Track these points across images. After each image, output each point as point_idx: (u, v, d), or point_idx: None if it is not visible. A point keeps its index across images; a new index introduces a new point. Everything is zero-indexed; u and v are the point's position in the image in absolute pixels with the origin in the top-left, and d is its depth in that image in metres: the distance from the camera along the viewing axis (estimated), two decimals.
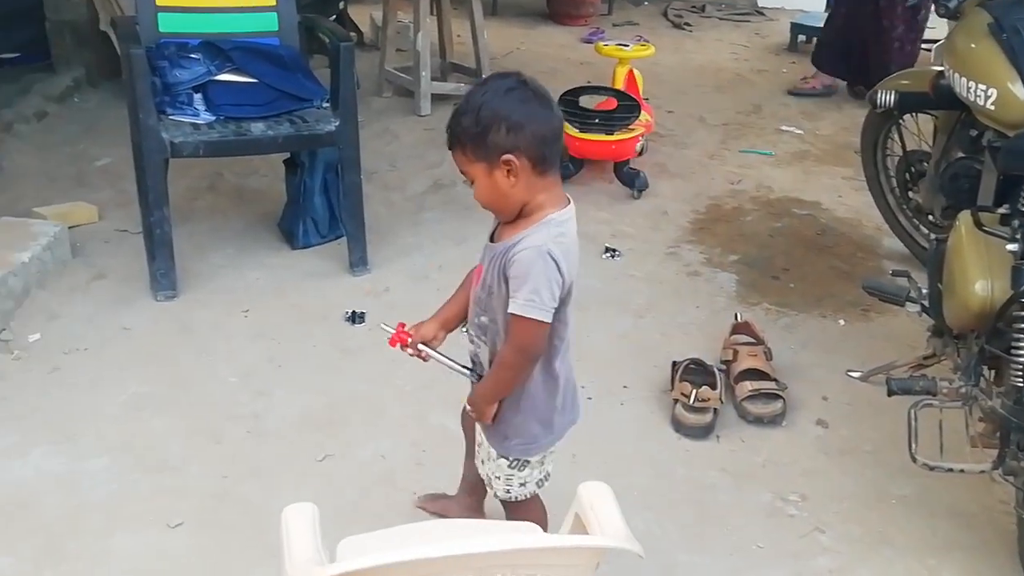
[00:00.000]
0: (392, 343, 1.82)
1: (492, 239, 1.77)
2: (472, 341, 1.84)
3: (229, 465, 2.36)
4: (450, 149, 1.68)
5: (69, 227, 3.26)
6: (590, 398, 2.69)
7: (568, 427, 1.90)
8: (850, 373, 2.82)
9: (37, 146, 4.07)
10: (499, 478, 1.86)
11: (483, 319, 1.77)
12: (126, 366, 2.71)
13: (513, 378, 1.74)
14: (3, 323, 2.81)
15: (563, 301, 1.71)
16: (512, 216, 1.70)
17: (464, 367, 1.84)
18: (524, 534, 1.52)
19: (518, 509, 1.91)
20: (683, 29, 6.78)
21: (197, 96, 3.05)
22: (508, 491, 1.88)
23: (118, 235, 3.40)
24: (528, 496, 1.90)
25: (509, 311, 1.65)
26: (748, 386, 2.62)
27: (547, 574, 1.26)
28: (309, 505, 1.40)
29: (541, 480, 1.90)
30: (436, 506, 2.19)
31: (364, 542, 1.62)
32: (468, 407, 1.86)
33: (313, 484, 2.29)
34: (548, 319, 1.65)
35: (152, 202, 2.97)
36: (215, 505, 2.23)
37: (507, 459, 1.84)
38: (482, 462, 1.91)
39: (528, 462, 1.85)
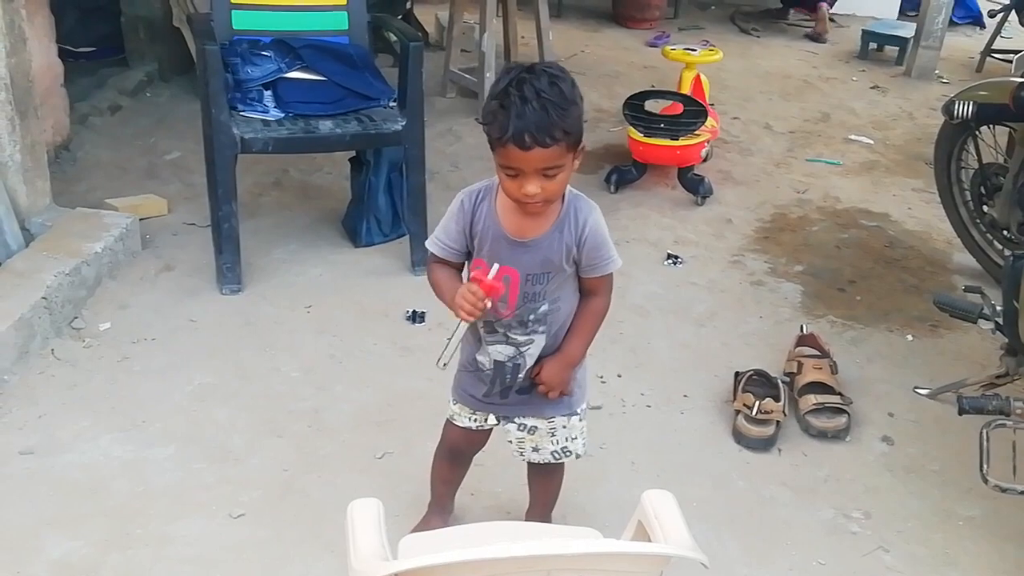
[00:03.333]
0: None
1: (509, 237, 1.74)
2: (515, 343, 1.82)
3: (290, 458, 2.39)
4: (544, 146, 1.58)
5: (140, 219, 3.33)
6: (649, 406, 2.68)
7: None
8: (918, 390, 2.76)
9: (110, 138, 4.17)
10: (576, 439, 1.97)
11: (543, 308, 1.79)
12: (192, 357, 2.76)
13: (601, 325, 1.86)
14: (76, 311, 2.88)
15: None
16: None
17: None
18: (587, 538, 1.52)
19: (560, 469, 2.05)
20: (750, 34, 6.71)
21: (267, 93, 3.10)
22: (584, 443, 1.99)
23: (186, 228, 3.47)
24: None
25: (606, 272, 1.79)
26: (812, 399, 2.57)
27: None
28: (374, 500, 1.40)
29: None
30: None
31: (426, 540, 1.63)
32: (545, 385, 1.84)
33: (372, 481, 2.31)
34: None
35: (221, 196, 3.02)
36: (276, 497, 2.26)
37: (579, 415, 1.94)
38: (535, 449, 1.97)
39: (585, 409, 1.98)
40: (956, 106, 3.05)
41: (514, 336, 1.81)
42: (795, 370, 2.70)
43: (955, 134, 3.32)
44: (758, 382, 2.63)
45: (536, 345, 1.82)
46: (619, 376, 2.79)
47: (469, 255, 1.82)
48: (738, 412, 2.55)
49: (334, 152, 3.59)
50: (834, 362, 2.74)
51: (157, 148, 4.12)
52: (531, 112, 1.56)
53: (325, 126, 3.06)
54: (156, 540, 2.12)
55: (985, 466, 2.14)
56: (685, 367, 2.85)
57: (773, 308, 3.20)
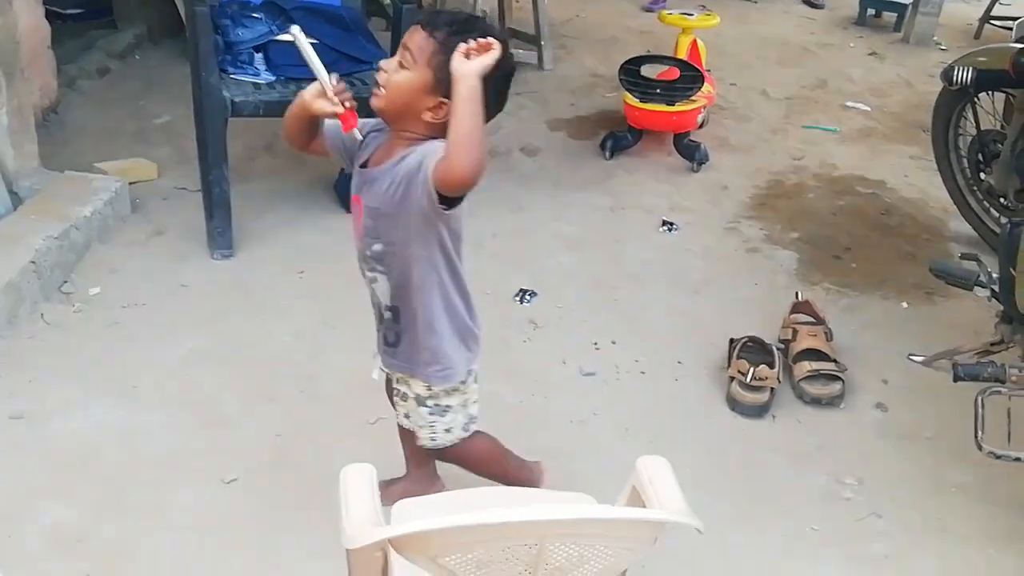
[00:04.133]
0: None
1: (365, 166, 1.72)
2: (367, 278, 1.80)
3: (282, 424, 2.38)
4: (423, 28, 1.60)
5: (129, 183, 3.29)
6: (643, 372, 2.67)
7: (478, 351, 1.87)
8: (912, 357, 2.74)
9: (99, 102, 4.11)
10: (422, 427, 1.90)
11: (377, 247, 1.73)
12: (183, 322, 2.74)
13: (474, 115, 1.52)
14: (65, 275, 2.85)
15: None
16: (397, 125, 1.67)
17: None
18: (581, 504, 1.51)
19: (455, 455, 1.97)
20: (748, 0, 6.63)
21: (258, 56, 3.06)
22: (434, 439, 1.91)
23: (177, 192, 3.43)
24: (456, 442, 1.91)
25: (437, 158, 1.55)
26: (807, 366, 2.57)
27: (607, 545, 1.25)
28: (367, 466, 1.39)
29: (467, 424, 1.92)
30: (393, 492, 1.98)
31: (419, 505, 1.62)
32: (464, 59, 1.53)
33: (365, 446, 2.30)
34: None
35: (211, 160, 2.98)
36: (269, 463, 2.25)
37: (428, 407, 1.86)
38: (407, 416, 1.92)
39: (450, 407, 1.86)
40: (956, 72, 3.02)
41: (368, 272, 1.79)
42: (790, 337, 2.69)
43: (953, 100, 3.29)
44: (753, 349, 2.62)
45: (381, 285, 1.78)
46: (613, 343, 2.78)
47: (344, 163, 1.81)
48: (732, 379, 2.55)
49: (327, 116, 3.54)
50: (829, 329, 2.73)
51: (147, 112, 4.07)
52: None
53: None
54: (149, 507, 2.11)
55: (980, 433, 2.13)
56: (680, 334, 2.84)
57: (768, 275, 3.19)
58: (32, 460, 2.22)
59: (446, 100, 1.58)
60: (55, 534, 2.02)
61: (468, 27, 1.61)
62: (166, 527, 2.07)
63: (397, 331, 1.82)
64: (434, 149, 1.58)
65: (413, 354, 1.82)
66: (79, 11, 4.76)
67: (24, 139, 3.09)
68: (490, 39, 1.55)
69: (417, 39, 1.61)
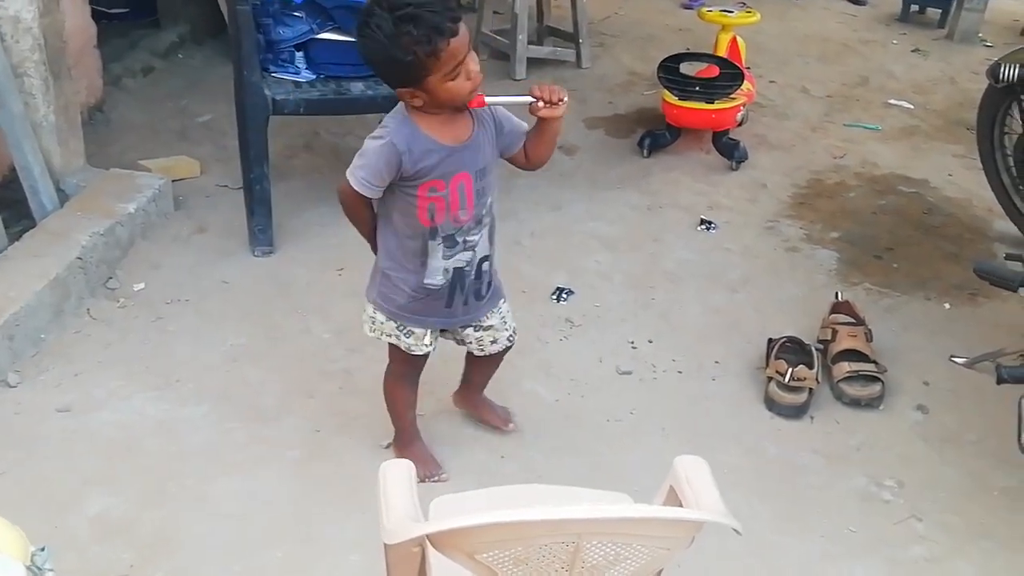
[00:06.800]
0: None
1: (451, 146, 1.85)
2: (467, 247, 1.96)
3: (321, 419, 2.40)
4: (460, 18, 1.73)
5: (172, 180, 3.34)
6: (680, 372, 2.66)
7: None
8: (954, 359, 2.72)
9: (143, 100, 4.17)
10: (506, 330, 2.19)
11: (490, 200, 1.95)
12: (224, 318, 2.78)
13: None
14: (110, 271, 2.90)
15: None
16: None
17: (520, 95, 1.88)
18: (619, 503, 1.51)
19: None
20: None
21: (299, 54, 3.08)
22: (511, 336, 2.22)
23: (218, 190, 3.47)
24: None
25: (525, 130, 1.96)
26: (846, 367, 2.55)
27: (644, 544, 1.25)
28: (407, 462, 1.40)
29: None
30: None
31: (457, 502, 1.63)
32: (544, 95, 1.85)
33: None
34: None
35: (253, 159, 3.02)
36: (307, 458, 2.28)
37: (503, 312, 2.17)
38: (494, 341, 2.17)
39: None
40: (1002, 69, 2.98)
41: (471, 238, 1.95)
42: (829, 337, 2.67)
43: (999, 98, 3.24)
44: (791, 349, 2.60)
45: (482, 239, 1.98)
46: (650, 342, 2.77)
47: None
48: (770, 379, 2.53)
49: (365, 114, 3.56)
50: (869, 330, 2.70)
51: (189, 110, 4.12)
52: (430, 4, 1.67)
53: (356, 88, 3.04)
54: (191, 498, 2.15)
55: (1022, 435, 2.11)
56: (717, 333, 2.83)
57: (808, 275, 3.16)
58: (78, 451, 2.26)
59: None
60: (101, 523, 2.07)
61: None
62: (207, 518, 2.10)
63: (489, 276, 2.05)
64: (494, 108, 1.89)
65: (496, 284, 2.10)
66: (124, 11, 4.82)
67: (70, 137, 3.15)
68: None
69: (464, 25, 1.77)
